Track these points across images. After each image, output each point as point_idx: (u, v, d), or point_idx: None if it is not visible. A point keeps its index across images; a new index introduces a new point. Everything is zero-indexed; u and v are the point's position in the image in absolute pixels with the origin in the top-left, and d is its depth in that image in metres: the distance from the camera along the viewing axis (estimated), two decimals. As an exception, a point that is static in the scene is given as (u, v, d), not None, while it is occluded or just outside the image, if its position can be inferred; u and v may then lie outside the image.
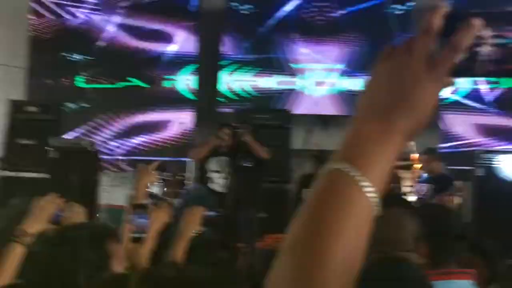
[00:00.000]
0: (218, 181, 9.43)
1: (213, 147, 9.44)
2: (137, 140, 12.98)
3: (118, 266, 3.49)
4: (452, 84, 1.06)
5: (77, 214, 3.52)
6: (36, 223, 3.19)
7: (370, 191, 0.99)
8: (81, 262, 2.06)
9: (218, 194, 9.33)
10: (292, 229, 1.00)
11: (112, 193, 10.81)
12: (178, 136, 12.65)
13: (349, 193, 0.98)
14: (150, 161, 10.73)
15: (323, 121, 12.19)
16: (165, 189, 10.35)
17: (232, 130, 9.58)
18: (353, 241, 0.97)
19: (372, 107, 1.03)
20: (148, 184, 4.22)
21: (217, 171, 9.44)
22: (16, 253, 3.02)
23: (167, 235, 4.31)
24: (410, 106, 1.01)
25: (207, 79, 12.78)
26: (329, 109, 12.31)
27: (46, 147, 10.49)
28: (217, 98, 12.70)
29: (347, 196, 0.98)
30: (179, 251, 3.71)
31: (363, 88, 1.08)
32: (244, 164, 9.48)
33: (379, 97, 1.03)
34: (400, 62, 1.03)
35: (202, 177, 9.60)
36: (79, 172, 10.15)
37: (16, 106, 11.96)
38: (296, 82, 12.45)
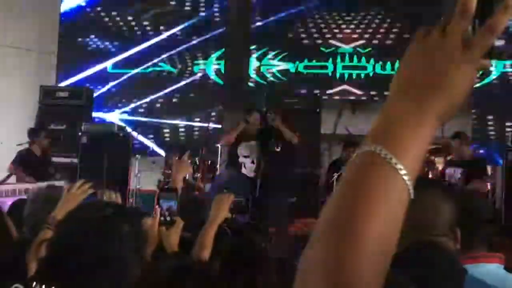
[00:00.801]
0: (248, 166, 9.42)
1: (242, 131, 9.42)
2: (168, 123, 13.03)
3: (151, 247, 3.51)
4: (488, 66, 1.04)
5: (113, 200, 3.54)
6: (66, 209, 3.22)
7: (405, 173, 0.97)
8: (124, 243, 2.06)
9: (249, 179, 9.33)
10: (325, 211, 0.98)
11: (143, 178, 10.87)
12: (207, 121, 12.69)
13: (383, 175, 0.96)
14: (181, 150, 10.90)
15: (352, 105, 12.13)
16: (197, 174, 10.37)
17: (261, 115, 9.56)
18: (387, 224, 0.95)
19: (406, 89, 1.02)
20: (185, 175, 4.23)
21: (247, 156, 9.43)
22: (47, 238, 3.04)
23: (197, 221, 4.33)
24: (444, 88, 1.00)
25: (237, 64, 12.76)
26: (359, 94, 12.25)
27: (78, 132, 10.55)
28: (246, 83, 12.67)
29: (382, 178, 0.96)
30: (209, 237, 3.72)
31: (396, 70, 1.06)
32: (274, 149, 9.45)
33: (413, 78, 1.02)
34: (435, 44, 1.02)
35: (233, 162, 9.60)
36: (110, 157, 10.21)
37: (46, 92, 12.07)
38: (326, 67, 12.39)
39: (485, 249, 2.76)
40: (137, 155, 11.17)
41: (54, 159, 11.53)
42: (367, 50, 12.26)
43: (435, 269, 2.04)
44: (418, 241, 1.99)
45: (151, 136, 13.04)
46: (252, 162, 9.39)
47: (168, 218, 3.57)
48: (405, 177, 0.97)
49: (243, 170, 9.39)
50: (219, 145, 10.58)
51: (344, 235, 0.94)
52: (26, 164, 10.02)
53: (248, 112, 9.62)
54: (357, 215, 0.94)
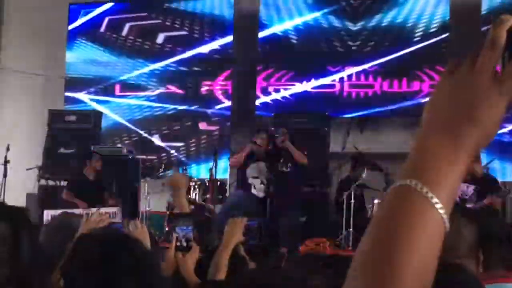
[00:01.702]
0: (258, 187, 9.43)
1: (250, 152, 9.44)
2: (177, 145, 13.05)
3: (168, 273, 3.50)
4: None
5: (139, 231, 3.52)
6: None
7: (441, 207, 0.98)
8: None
9: (258, 199, 9.33)
10: (363, 245, 0.99)
11: (152, 199, 10.87)
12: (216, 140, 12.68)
13: (421, 210, 0.97)
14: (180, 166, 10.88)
15: (360, 123, 12.12)
16: (207, 195, 10.38)
17: (268, 135, 9.58)
18: (426, 258, 0.96)
19: (438, 123, 1.02)
20: (185, 191, 4.22)
21: (256, 177, 9.44)
22: None
23: (210, 244, 4.33)
24: (477, 122, 1.00)
25: (244, 84, 12.79)
26: (366, 111, 12.24)
27: (87, 156, 10.51)
28: (254, 103, 12.68)
29: (419, 213, 0.97)
30: (223, 261, 3.73)
31: (427, 103, 1.08)
32: (283, 168, 9.47)
33: (445, 112, 1.02)
34: (465, 78, 1.02)
35: (242, 182, 9.61)
36: (120, 180, 10.22)
37: (55, 116, 12.11)
38: (333, 86, 12.39)
39: (503, 268, 2.76)
40: (146, 177, 11.19)
41: (63, 183, 11.57)
42: (373, 67, 12.25)
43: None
44: (441, 263, 1.99)
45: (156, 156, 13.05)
46: (262, 183, 9.40)
47: (184, 244, 3.59)
48: (441, 211, 0.98)
49: (253, 191, 9.40)
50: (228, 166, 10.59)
51: (384, 271, 0.95)
52: (79, 189, 9.90)
53: (255, 133, 9.65)
54: (396, 250, 0.95)
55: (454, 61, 1.06)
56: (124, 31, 13.57)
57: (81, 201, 9.56)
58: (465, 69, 1.03)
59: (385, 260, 0.95)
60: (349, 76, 12.33)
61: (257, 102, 12.67)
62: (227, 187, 10.95)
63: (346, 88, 12.33)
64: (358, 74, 12.29)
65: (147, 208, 10.67)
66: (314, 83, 12.43)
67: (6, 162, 11.19)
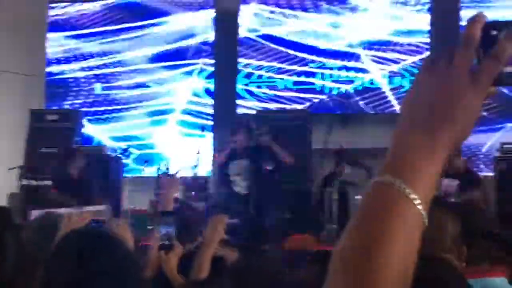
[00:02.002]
0: (240, 184, 9.44)
1: (232, 150, 9.44)
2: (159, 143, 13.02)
3: (151, 272, 3.50)
4: (495, 93, 1.06)
5: (121, 228, 3.51)
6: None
7: (419, 203, 1.00)
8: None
9: (241, 197, 9.34)
10: (342, 241, 1.01)
11: (135, 197, 10.85)
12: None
13: (399, 206, 1.00)
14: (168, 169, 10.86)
15: (342, 119, 12.14)
16: (190, 193, 10.38)
17: (248, 131, 9.58)
18: (405, 254, 0.98)
19: (415, 119, 1.04)
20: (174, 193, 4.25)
21: (238, 174, 9.46)
22: None
23: (188, 241, 4.33)
24: (454, 118, 1.03)
25: (225, 81, 12.76)
26: (348, 107, 12.27)
27: (71, 155, 10.45)
28: (235, 100, 12.66)
29: (398, 209, 0.99)
30: (206, 259, 3.73)
31: (404, 98, 1.09)
32: (265, 167, 9.48)
33: (422, 109, 1.04)
34: (442, 75, 1.04)
35: (224, 180, 9.61)
36: (102, 178, 10.18)
37: (35, 115, 12.05)
38: (314, 81, 12.40)
39: (487, 263, 2.77)
40: (128, 175, 11.17)
41: (45, 183, 11.52)
42: (354, 63, 12.28)
43: (439, 284, 2.04)
44: (424, 257, 1.99)
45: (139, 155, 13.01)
46: (244, 180, 9.41)
47: (166, 242, 3.59)
48: (419, 207, 1.00)
49: (235, 188, 9.42)
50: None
51: (364, 266, 0.96)
52: (65, 188, 9.82)
53: (234, 131, 9.65)
54: (375, 246, 0.97)
55: (431, 57, 1.07)
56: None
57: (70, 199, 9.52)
58: (442, 66, 1.05)
59: (365, 256, 0.97)
60: (331, 71, 12.34)
61: (238, 100, 12.65)
62: (210, 185, 10.94)
63: (328, 83, 12.34)
64: (339, 69, 12.31)
65: (130, 206, 10.65)
66: (295, 78, 12.43)
67: (-13, 162, 11.13)
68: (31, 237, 3.62)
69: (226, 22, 12.84)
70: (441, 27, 11.69)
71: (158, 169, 11.06)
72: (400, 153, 1.03)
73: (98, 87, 13.42)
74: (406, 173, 1.01)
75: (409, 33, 12.03)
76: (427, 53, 11.84)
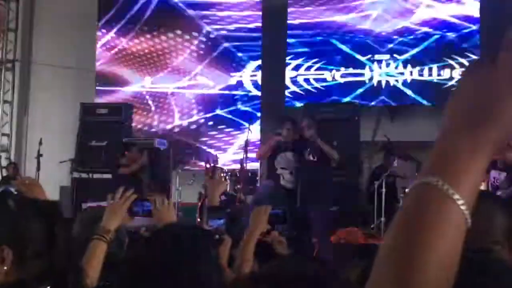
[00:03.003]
0: (286, 177, 9.42)
1: (276, 143, 9.41)
2: (206, 137, 13.09)
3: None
4: None
5: (167, 210, 3.56)
6: (115, 219, 3.25)
7: (462, 203, 1.00)
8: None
9: (287, 190, 9.32)
10: (387, 240, 1.02)
11: (184, 191, 10.91)
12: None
13: (442, 207, 1.00)
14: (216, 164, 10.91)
15: (391, 112, 12.06)
16: (238, 186, 10.41)
17: (294, 125, 9.52)
18: (448, 254, 0.99)
19: (459, 120, 1.04)
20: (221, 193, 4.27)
21: (284, 168, 9.44)
22: (101, 249, 3.08)
23: (236, 233, 4.35)
24: (497, 118, 1.03)
25: (273, 74, 12.77)
26: (396, 100, 12.18)
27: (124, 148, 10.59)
28: (284, 93, 12.66)
29: (441, 210, 1.00)
30: (249, 250, 3.73)
31: (449, 101, 1.10)
32: (311, 158, 9.43)
33: (467, 110, 1.05)
34: (486, 75, 1.05)
35: (271, 174, 9.61)
36: (151, 171, 10.28)
37: (86, 109, 12.20)
38: (363, 74, 12.35)
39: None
40: (178, 169, 11.23)
41: (96, 176, 11.68)
42: (404, 56, 12.18)
43: (492, 278, 2.02)
44: (472, 249, 1.98)
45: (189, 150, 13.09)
46: (290, 173, 9.39)
47: (217, 237, 3.61)
48: (463, 207, 1.00)
49: (282, 182, 9.40)
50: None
51: (407, 266, 0.98)
52: (118, 181, 9.98)
53: (281, 125, 9.60)
54: (418, 247, 0.98)
55: (476, 60, 1.09)
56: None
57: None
58: (487, 67, 1.05)
59: (408, 255, 0.98)
60: (379, 64, 12.26)
61: (287, 92, 12.65)
62: (258, 178, 10.96)
63: (376, 76, 12.27)
64: (388, 62, 12.22)
65: (179, 200, 10.72)
66: (343, 71, 12.39)
67: (39, 155, 11.31)
68: (83, 229, 3.69)
69: (274, 15, 12.84)
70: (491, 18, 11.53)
71: (206, 162, 11.12)
72: (444, 154, 1.03)
73: (147, 81, 13.55)
74: (450, 174, 1.01)
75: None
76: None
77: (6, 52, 14.18)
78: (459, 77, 1.09)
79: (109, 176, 11.26)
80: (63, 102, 13.65)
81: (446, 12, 12.04)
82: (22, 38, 14.37)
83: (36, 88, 14.20)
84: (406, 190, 9.34)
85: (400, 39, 12.21)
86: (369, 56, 12.30)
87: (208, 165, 10.88)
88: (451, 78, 11.77)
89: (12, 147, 14.11)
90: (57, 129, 13.30)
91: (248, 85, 13.09)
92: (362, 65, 12.33)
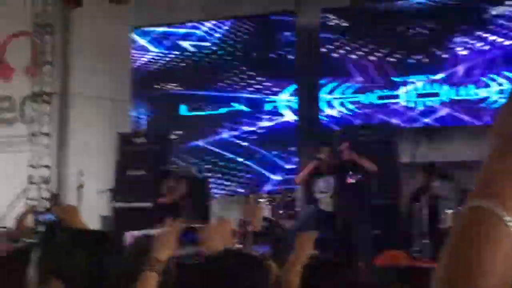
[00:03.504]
0: (325, 201, 9.40)
1: (315, 168, 9.41)
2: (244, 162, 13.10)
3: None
4: None
5: (214, 236, 3.56)
6: (166, 249, 3.25)
7: None
8: None
9: (327, 214, 9.29)
10: (440, 266, 1.02)
11: (223, 216, 10.91)
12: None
13: (495, 233, 0.99)
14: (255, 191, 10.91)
15: (428, 132, 11.98)
16: (278, 211, 10.40)
17: (332, 149, 9.52)
18: (502, 279, 0.98)
19: (505, 145, 1.04)
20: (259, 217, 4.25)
21: (323, 192, 9.42)
22: (153, 280, 3.08)
23: (281, 259, 4.34)
24: None
25: (308, 99, 12.78)
26: (434, 120, 12.10)
27: (163, 176, 10.65)
28: (319, 117, 12.65)
29: (494, 236, 0.99)
30: (294, 277, 3.72)
31: (493, 126, 1.09)
32: (351, 181, 9.41)
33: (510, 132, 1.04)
34: None
35: (310, 198, 9.59)
36: (191, 198, 10.31)
37: (123, 138, 12.29)
38: (398, 96, 12.30)
39: None
40: (216, 196, 11.26)
41: (135, 205, 11.72)
42: (439, 76, 12.11)
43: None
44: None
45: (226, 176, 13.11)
46: (330, 197, 9.37)
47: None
48: None
49: (321, 206, 9.38)
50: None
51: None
52: (158, 210, 10.06)
53: (318, 150, 9.61)
54: (474, 272, 0.98)
55: None
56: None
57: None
58: None
59: (464, 281, 0.98)
60: (415, 86, 12.21)
61: (322, 116, 12.64)
62: (297, 203, 10.94)
63: (412, 97, 12.21)
64: (423, 83, 12.16)
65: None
66: (379, 94, 12.35)
67: (80, 186, 11.40)
68: (130, 259, 3.69)
69: (306, 38, 12.87)
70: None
71: (247, 188, 11.14)
72: (492, 176, 1.03)
73: (183, 109, 13.64)
74: (500, 197, 1.00)
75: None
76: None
77: (44, 85, 14.35)
78: (497, 95, 1.07)
79: (148, 204, 11.31)
80: (100, 132, 13.78)
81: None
82: (59, 71, 14.55)
83: (73, 119, 14.35)
84: (448, 211, 9.30)
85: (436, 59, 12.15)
86: (405, 77, 12.25)
87: (248, 192, 10.90)
88: (488, 97, 11.68)
89: (52, 178, 14.24)
90: (96, 159, 13.41)
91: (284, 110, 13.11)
92: (397, 86, 12.29)
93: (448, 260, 1.01)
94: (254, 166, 12.99)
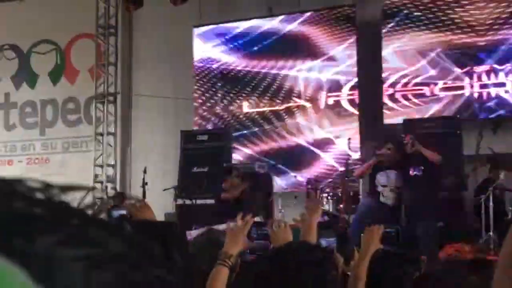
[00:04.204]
0: (386, 195, 9.33)
1: (377, 162, 9.36)
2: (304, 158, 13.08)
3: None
4: None
5: (284, 231, 3.59)
6: (236, 244, 3.30)
7: None
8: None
9: (388, 207, 9.23)
10: (503, 255, 1.01)
11: (286, 212, 10.94)
12: (346, 152, 12.58)
13: None
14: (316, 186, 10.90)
15: (493, 123, 11.77)
16: (340, 205, 10.38)
17: (396, 143, 9.44)
18: None
19: None
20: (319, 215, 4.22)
21: (385, 185, 9.35)
22: (224, 274, 3.13)
23: (346, 252, 4.33)
24: None
25: (370, 92, 12.68)
26: (499, 111, 11.88)
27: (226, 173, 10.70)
28: (381, 110, 12.54)
29: None
30: (363, 269, 3.72)
31: None
32: (415, 173, 9.32)
33: None
34: None
35: (372, 191, 9.54)
36: (255, 194, 10.35)
37: (187, 136, 12.41)
38: (462, 87, 12.11)
39: None
40: (280, 191, 11.29)
41: (199, 202, 11.81)
42: (504, 65, 11.87)
43: None
44: None
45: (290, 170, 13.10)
46: (391, 190, 9.30)
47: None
48: None
49: (381, 199, 9.32)
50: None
51: None
52: (222, 207, 10.13)
53: (380, 144, 9.56)
54: None
55: None
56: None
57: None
58: None
59: None
60: (479, 76, 12.00)
61: (385, 110, 12.53)
62: (360, 196, 10.88)
63: (476, 88, 12.01)
64: (488, 73, 11.94)
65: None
66: (442, 85, 12.18)
67: (144, 184, 11.57)
68: (198, 253, 3.74)
69: (368, 32, 12.78)
70: None
71: (308, 184, 11.13)
72: None
73: (244, 106, 13.68)
74: None
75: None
76: None
77: (107, 85, 14.61)
78: None
79: (211, 201, 11.40)
80: (164, 130, 13.95)
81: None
82: (122, 71, 14.79)
83: (137, 118, 14.59)
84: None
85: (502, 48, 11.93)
86: (468, 68, 12.05)
87: (309, 186, 10.90)
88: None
89: (117, 177, 14.50)
90: (159, 158, 13.60)
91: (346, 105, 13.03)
92: (461, 78, 12.10)
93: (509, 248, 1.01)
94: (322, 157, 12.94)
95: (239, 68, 13.78)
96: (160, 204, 11.86)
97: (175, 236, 2.41)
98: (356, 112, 12.81)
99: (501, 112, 11.85)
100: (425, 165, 9.30)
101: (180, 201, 11.98)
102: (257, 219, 8.78)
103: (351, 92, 12.95)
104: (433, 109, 12.19)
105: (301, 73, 13.33)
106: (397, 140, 9.63)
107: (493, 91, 11.90)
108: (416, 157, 9.35)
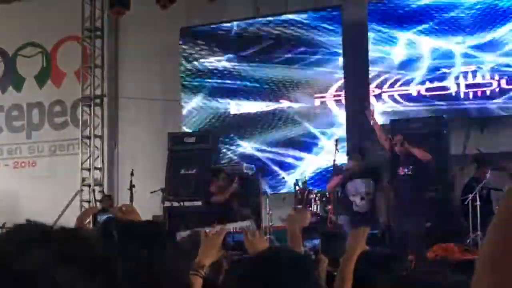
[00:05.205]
0: (359, 203, 9.54)
1: (343, 178, 9.66)
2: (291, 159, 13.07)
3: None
4: None
5: (259, 239, 3.57)
6: (210, 254, 3.29)
7: None
8: None
9: (360, 215, 9.40)
10: (485, 247, 1.01)
11: (274, 214, 10.93)
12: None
13: None
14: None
15: (479, 123, 11.79)
16: (328, 206, 10.40)
17: (359, 156, 9.78)
18: None
19: None
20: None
21: (354, 194, 9.53)
22: (197, 285, 3.12)
23: (331, 252, 4.34)
24: None
25: (356, 92, 12.68)
26: (485, 111, 11.89)
27: (213, 175, 10.73)
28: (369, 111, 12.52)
29: None
30: (349, 270, 3.72)
31: None
32: (405, 172, 9.40)
33: None
34: None
35: (344, 200, 9.78)
36: (241, 196, 10.35)
37: (174, 138, 12.40)
38: (447, 86, 12.12)
39: None
40: (268, 193, 11.27)
41: (187, 204, 11.79)
42: (490, 66, 11.90)
43: None
44: None
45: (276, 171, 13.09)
46: (362, 198, 9.46)
47: (313, 257, 3.61)
48: None
49: (354, 208, 9.50)
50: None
51: (501, 274, 0.97)
52: (210, 208, 10.18)
53: (350, 157, 9.87)
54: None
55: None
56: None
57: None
58: None
59: (502, 264, 0.98)
60: (465, 76, 12.02)
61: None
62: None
63: (462, 88, 12.03)
64: (474, 72, 11.96)
65: (270, 224, 10.74)
66: (428, 85, 12.19)
67: (131, 186, 11.54)
68: (181, 253, 3.73)
69: (354, 32, 12.78)
70: None
71: (296, 185, 11.12)
72: None
73: (232, 106, 13.63)
74: None
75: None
76: None
77: (94, 88, 14.56)
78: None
79: (199, 203, 11.39)
80: (151, 133, 13.92)
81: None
82: (109, 74, 14.75)
83: (124, 121, 14.54)
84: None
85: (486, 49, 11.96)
86: (454, 67, 12.07)
87: (297, 188, 10.90)
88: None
89: (104, 180, 14.45)
90: (147, 160, 13.56)
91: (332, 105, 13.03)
92: (447, 77, 12.12)
93: (490, 240, 1.02)
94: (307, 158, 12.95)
95: (227, 69, 13.75)
96: (148, 206, 11.85)
97: (161, 235, 2.40)
98: (343, 113, 12.81)
99: (488, 111, 11.86)
100: (415, 164, 9.35)
101: (168, 203, 11.97)
102: (246, 222, 8.82)
103: (337, 93, 12.95)
104: (419, 109, 12.19)
105: (289, 73, 13.31)
106: (360, 152, 9.85)
107: (479, 90, 11.91)
108: (403, 157, 9.40)
